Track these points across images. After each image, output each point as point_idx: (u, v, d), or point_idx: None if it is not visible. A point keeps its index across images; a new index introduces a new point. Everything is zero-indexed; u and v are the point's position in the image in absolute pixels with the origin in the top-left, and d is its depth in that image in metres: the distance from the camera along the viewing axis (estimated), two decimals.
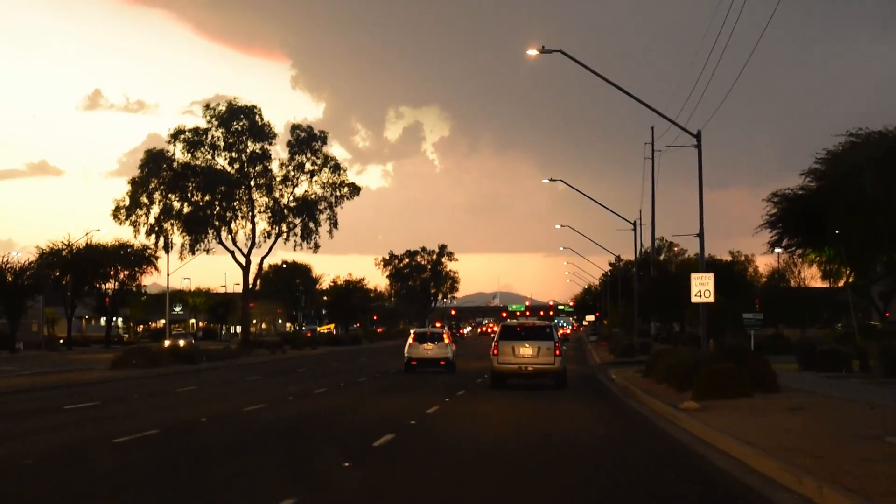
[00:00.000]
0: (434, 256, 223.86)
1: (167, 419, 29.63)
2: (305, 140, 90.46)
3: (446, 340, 61.33)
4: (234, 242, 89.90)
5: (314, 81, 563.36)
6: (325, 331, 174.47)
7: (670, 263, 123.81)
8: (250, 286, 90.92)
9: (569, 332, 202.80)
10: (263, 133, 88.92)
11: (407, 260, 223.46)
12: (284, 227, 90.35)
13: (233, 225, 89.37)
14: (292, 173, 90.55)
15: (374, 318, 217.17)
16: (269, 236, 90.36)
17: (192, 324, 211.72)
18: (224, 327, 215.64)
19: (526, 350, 45.19)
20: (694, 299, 45.57)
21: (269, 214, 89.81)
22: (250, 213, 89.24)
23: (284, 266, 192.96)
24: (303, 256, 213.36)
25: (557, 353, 45.30)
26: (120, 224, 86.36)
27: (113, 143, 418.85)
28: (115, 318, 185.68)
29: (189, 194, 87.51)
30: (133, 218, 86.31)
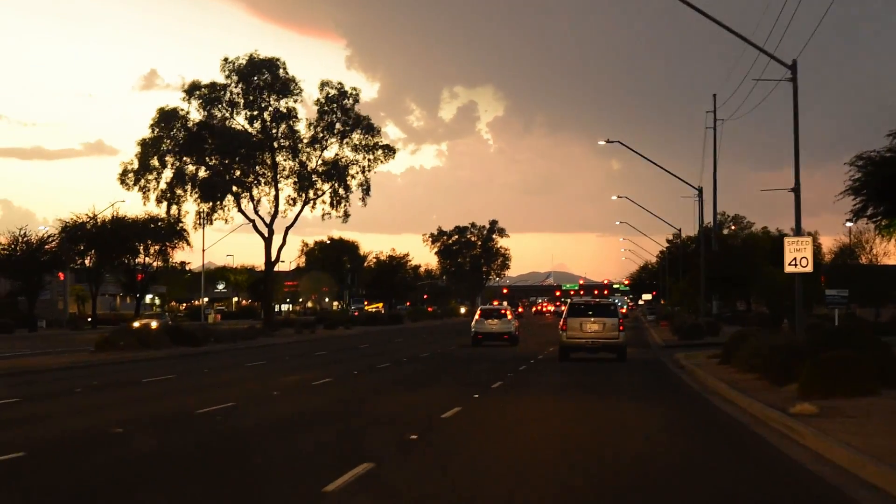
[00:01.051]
0: (485, 233, 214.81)
1: (64, 429, 21.31)
2: (335, 98, 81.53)
3: (509, 317, 67.09)
4: (256, 211, 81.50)
5: (368, 61, 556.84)
6: (374, 309, 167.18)
7: (735, 238, 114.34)
8: (273, 259, 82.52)
9: (624, 311, 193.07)
10: (288, 89, 79.92)
11: (457, 236, 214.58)
12: (311, 194, 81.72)
13: (254, 191, 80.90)
14: (321, 134, 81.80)
15: (425, 297, 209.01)
16: (294, 203, 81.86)
17: (234, 301, 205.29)
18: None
19: (592, 326, 48.29)
20: (788, 269, 36.96)
21: (295, 179, 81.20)
22: (273, 179, 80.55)
23: (330, 242, 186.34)
24: (352, 234, 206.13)
25: (621, 328, 48.93)
26: (128, 189, 77.96)
27: None
28: (147, 296, 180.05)
29: (205, 157, 78.97)
30: (142, 183, 77.90)
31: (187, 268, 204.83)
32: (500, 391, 31.60)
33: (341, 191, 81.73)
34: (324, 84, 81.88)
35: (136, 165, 77.95)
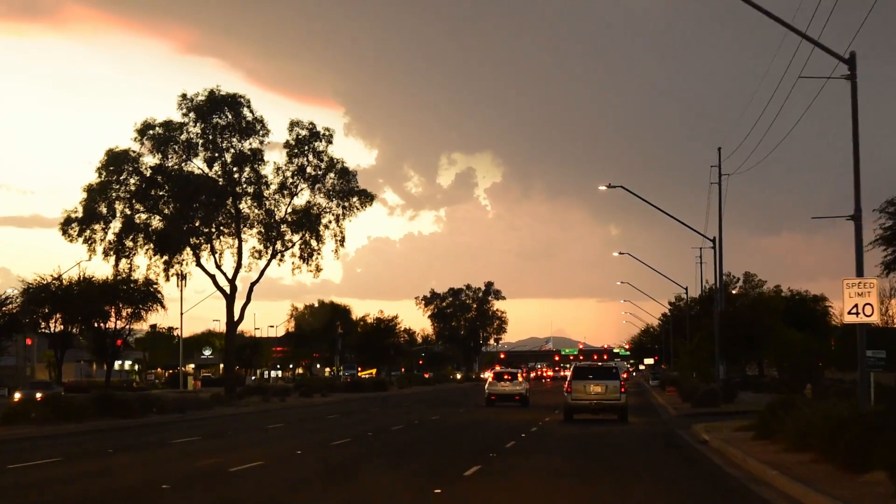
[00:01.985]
0: (480, 295, 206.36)
1: None
2: (306, 139, 73.14)
3: (520, 378, 71.80)
4: (218, 265, 72.85)
5: (367, 128, 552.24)
6: (367, 376, 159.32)
7: (745, 298, 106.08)
8: (237, 318, 73.87)
9: (625, 375, 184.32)
10: (253, 129, 71.10)
11: (451, 299, 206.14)
12: (279, 246, 73.16)
13: (215, 243, 72.19)
14: (290, 179, 73.56)
15: (420, 362, 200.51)
16: (259, 256, 73.22)
17: (222, 368, 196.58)
18: (257, 371, 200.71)
19: (595, 388, 50.63)
20: (848, 318, 28.66)
21: (261, 229, 72.71)
22: (236, 229, 71.99)
23: (320, 306, 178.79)
24: (348, 299, 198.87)
25: (622, 390, 51.16)
26: (71, 241, 69.15)
27: None
28: (124, 362, 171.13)
29: (159, 205, 70.49)
30: (88, 234, 69.31)
31: (174, 332, 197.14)
32: (479, 479, 23.25)
33: (313, 242, 73.24)
34: (293, 124, 73.46)
35: (80, 214, 69.47)
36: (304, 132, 73.50)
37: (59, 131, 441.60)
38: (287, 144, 73.70)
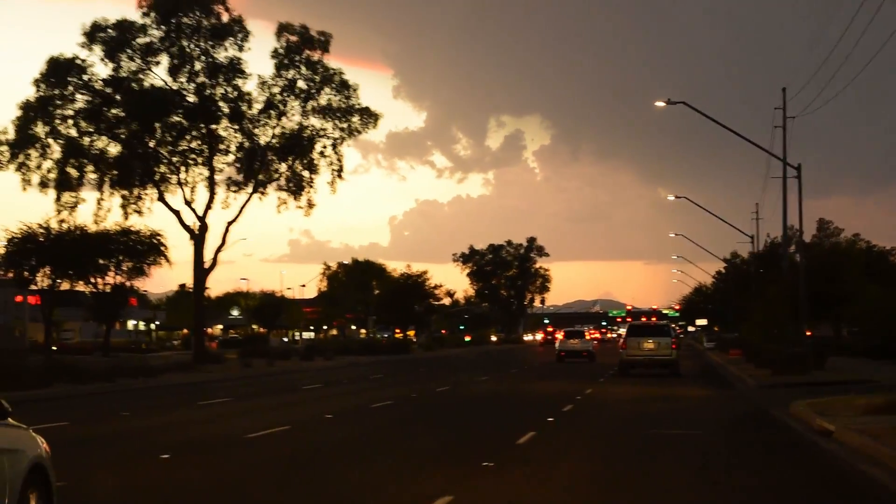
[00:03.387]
0: (522, 251, 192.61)
1: None
2: (298, 47, 59.80)
3: (587, 337, 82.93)
4: (188, 201, 59.64)
5: (416, 91, 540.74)
6: (407, 338, 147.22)
7: (819, 248, 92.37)
8: (210, 264, 60.91)
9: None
10: (229, 31, 57.59)
11: (491, 256, 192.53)
12: (263, 177, 59.91)
13: (184, 174, 59.08)
14: (278, 97, 60.27)
15: (462, 325, 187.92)
16: (238, 190, 60.10)
17: (254, 328, 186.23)
18: (286, 332, 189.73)
19: (649, 344, 52.69)
20: None
21: (241, 157, 59.59)
22: (209, 156, 58.70)
23: (354, 264, 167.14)
24: (395, 263, 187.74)
25: (674, 346, 53.11)
26: (0, 169, 56.38)
27: None
28: (139, 322, 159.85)
29: (113, 126, 57.20)
30: (21, 159, 56.34)
31: (206, 293, 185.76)
32: None
33: (305, 172, 60.23)
34: (282, 28, 59.84)
35: (11, 135, 56.40)
36: (294, 38, 60.01)
37: None
38: (275, 53, 60.17)
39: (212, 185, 59.29)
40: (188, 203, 59.78)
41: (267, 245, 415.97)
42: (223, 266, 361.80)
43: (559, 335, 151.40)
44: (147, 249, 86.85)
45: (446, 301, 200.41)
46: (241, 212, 59.81)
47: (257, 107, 59.96)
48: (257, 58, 59.26)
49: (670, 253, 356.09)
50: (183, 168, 58.97)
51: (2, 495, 8.88)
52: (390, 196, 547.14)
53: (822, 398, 31.58)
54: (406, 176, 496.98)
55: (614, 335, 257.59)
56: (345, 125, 60.14)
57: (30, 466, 9.53)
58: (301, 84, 60.08)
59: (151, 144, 57.61)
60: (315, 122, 60.29)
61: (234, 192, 59.57)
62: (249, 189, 59.85)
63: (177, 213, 59.80)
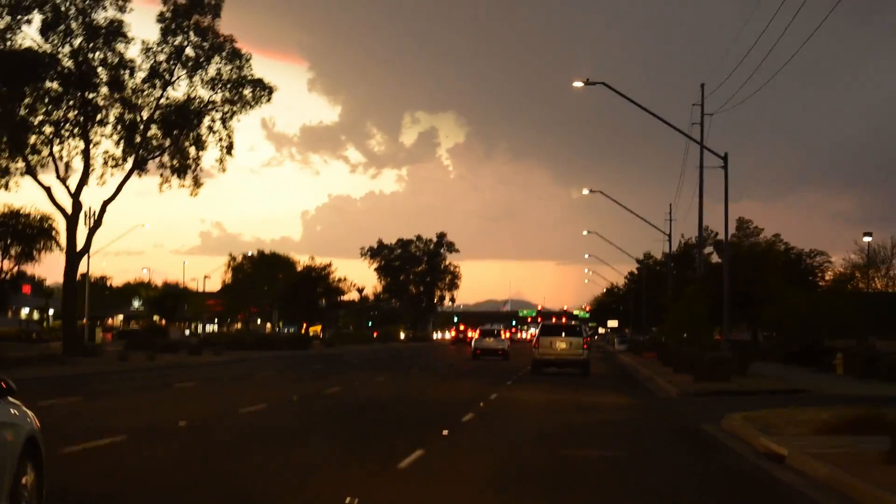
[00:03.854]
0: (431, 247, 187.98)
1: None
2: (186, 10, 54.45)
3: (503, 336, 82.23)
4: (61, 176, 53.90)
5: (331, 85, 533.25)
6: (312, 333, 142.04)
7: (739, 248, 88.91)
8: (82, 248, 55.40)
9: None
10: None
11: (399, 251, 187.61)
12: (144, 153, 54.51)
13: (57, 147, 53.36)
14: (164, 65, 54.99)
15: (370, 321, 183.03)
16: (116, 165, 54.68)
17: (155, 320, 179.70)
18: (188, 325, 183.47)
19: (561, 344, 53.11)
20: None
21: (120, 129, 54.13)
22: (83, 128, 53.15)
23: (260, 256, 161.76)
24: (303, 256, 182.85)
25: (585, 346, 53.75)
26: None
27: None
28: (33, 311, 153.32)
29: None
30: None
31: (108, 282, 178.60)
32: None
33: (192, 149, 55.00)
34: None
35: None
36: (182, 0, 54.61)
37: None
38: (160, 17, 54.73)
39: (87, 159, 53.73)
40: (61, 179, 54.19)
41: (177, 236, 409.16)
42: (131, 256, 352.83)
43: (472, 334, 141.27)
44: (36, 234, 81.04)
45: (355, 297, 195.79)
46: (119, 190, 54.26)
47: (141, 75, 54.63)
48: (141, 22, 53.95)
49: (583, 253, 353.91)
50: (56, 140, 53.38)
51: (4, 462, 9.88)
52: (303, 190, 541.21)
53: (756, 411, 27.58)
54: (319, 170, 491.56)
55: (525, 335, 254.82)
56: (236, 98, 54.96)
57: (26, 438, 10.44)
58: (189, 52, 54.75)
59: (21, 112, 51.87)
60: (203, 93, 55.08)
61: (112, 167, 54.09)
62: (129, 165, 54.36)
63: (47, 189, 54.19)
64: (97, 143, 53.85)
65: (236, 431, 22.47)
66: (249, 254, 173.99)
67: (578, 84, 46.51)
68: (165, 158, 54.84)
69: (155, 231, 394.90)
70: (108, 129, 53.75)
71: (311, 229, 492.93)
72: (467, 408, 29.58)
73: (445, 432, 22.81)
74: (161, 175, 55.26)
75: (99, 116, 53.23)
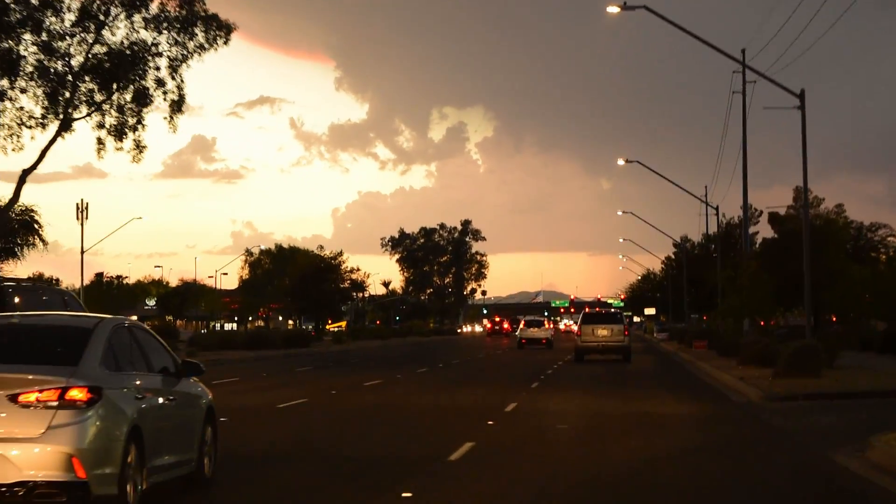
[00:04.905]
0: (456, 235, 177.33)
1: None
2: None
3: (547, 326, 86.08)
4: None
5: (358, 83, 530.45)
6: (335, 329, 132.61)
7: (793, 222, 78.12)
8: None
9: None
10: None
11: (423, 240, 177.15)
12: (74, 112, 43.90)
13: None
14: (97, 3, 44.20)
15: (398, 316, 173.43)
16: (44, 127, 43.97)
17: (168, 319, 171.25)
18: (205, 323, 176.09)
19: (602, 331, 53.78)
20: None
21: (42, 83, 43.51)
22: None
23: (278, 251, 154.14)
24: (307, 242, 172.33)
25: (626, 333, 54.51)
26: None
27: (157, 145, 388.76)
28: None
29: None
30: None
31: (124, 280, 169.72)
32: None
33: (132, 104, 44.46)
34: None
35: None
36: None
37: None
38: None
39: None
40: None
41: (208, 237, 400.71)
42: (163, 258, 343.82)
43: (506, 325, 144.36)
44: (18, 227, 71.43)
45: (382, 291, 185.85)
46: (42, 157, 43.67)
47: (70, 18, 44.00)
48: None
49: (615, 242, 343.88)
50: None
51: (196, 423, 13.53)
52: (333, 188, 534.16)
53: None
54: (349, 168, 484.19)
55: (559, 325, 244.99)
56: (186, 40, 44.42)
57: (207, 407, 14.00)
58: None
59: None
60: (147, 35, 44.48)
61: (31, 129, 43.58)
62: (54, 126, 43.79)
63: None
64: (14, 100, 43.36)
65: None
66: (262, 247, 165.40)
67: (614, 9, 39.33)
68: (103, 117, 44.31)
69: (186, 232, 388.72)
70: (27, 81, 43.13)
71: (342, 227, 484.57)
72: (465, 432, 19.28)
73: (407, 495, 12.42)
74: (97, 139, 44.72)
75: (15, 66, 42.63)
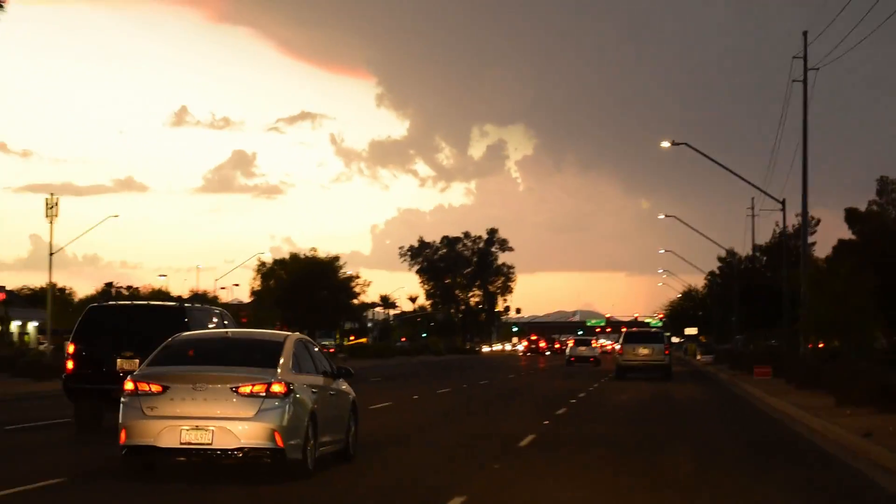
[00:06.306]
0: (481, 245, 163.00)
1: None
2: None
3: (594, 344, 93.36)
4: None
5: (399, 99, 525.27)
6: (350, 344, 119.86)
7: (883, 217, 63.38)
8: None
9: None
10: None
11: (445, 250, 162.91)
12: None
13: None
14: None
15: (424, 332, 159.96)
16: None
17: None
18: None
19: (643, 350, 56.71)
20: None
21: None
22: None
23: (292, 260, 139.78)
24: (373, 273, 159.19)
25: (666, 352, 56.74)
26: None
27: (198, 159, 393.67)
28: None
29: None
30: None
31: (113, 289, 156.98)
32: None
33: None
34: None
35: None
36: None
37: (92, 100, 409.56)
38: None
39: None
40: None
41: (247, 252, 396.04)
42: (202, 272, 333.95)
43: (542, 343, 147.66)
44: None
45: (407, 307, 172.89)
46: None
47: None
48: None
49: (654, 264, 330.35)
50: None
51: (345, 413, 18.13)
52: (372, 204, 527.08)
53: None
54: (388, 184, 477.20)
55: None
56: None
57: (352, 401, 18.56)
58: None
59: None
60: None
61: None
62: None
63: None
64: None
65: None
66: (269, 255, 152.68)
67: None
68: None
69: (225, 247, 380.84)
70: None
71: (380, 243, 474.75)
72: None
73: None
74: None
75: None
